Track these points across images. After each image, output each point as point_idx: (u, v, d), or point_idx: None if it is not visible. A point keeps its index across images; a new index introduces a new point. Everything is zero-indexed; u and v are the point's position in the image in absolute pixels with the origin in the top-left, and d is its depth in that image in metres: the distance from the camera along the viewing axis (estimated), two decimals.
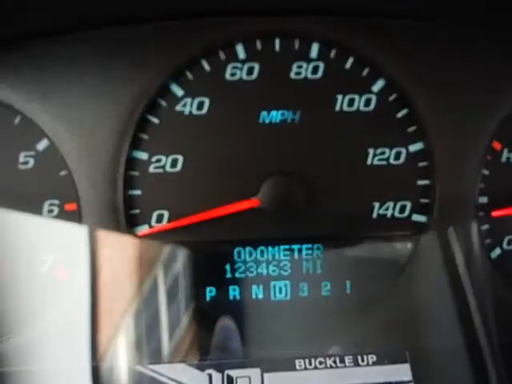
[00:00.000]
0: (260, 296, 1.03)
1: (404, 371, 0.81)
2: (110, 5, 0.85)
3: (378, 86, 0.98)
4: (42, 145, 0.96)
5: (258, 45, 0.97)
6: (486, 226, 1.02)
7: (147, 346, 0.97)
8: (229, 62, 0.96)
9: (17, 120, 0.95)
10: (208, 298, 1.02)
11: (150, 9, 0.87)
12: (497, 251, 1.03)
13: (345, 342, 0.95)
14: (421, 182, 1.01)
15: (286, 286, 1.03)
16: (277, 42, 0.96)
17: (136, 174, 0.97)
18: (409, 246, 1.02)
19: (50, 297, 0.95)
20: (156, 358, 0.95)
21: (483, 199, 1.01)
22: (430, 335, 0.96)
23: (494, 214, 1.02)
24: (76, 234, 0.97)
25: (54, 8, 0.85)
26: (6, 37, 0.89)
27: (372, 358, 0.81)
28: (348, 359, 0.83)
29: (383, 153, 0.99)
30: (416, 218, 1.01)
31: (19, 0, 0.80)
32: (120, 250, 0.98)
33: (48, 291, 0.96)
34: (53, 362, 0.93)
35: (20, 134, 0.97)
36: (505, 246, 1.03)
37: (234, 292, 1.03)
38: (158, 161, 0.97)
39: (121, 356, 0.96)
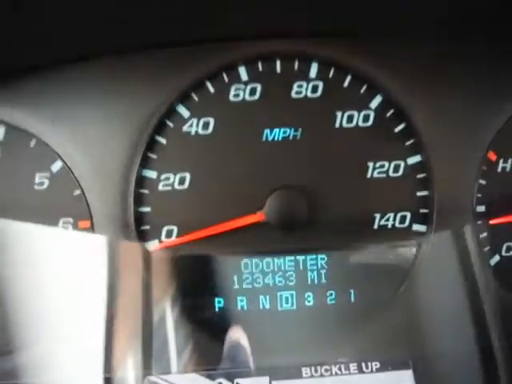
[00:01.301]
0: (267, 306, 1.06)
1: (407, 377, 0.84)
2: (119, 35, 0.90)
3: (376, 102, 1.02)
4: (55, 166, 1.01)
5: (260, 66, 1.02)
6: (484, 234, 1.04)
7: (158, 356, 1.00)
8: (232, 83, 1.01)
9: (32, 143, 1.00)
10: (217, 309, 1.06)
11: (157, 36, 0.91)
12: (496, 258, 1.06)
13: (350, 350, 0.98)
14: (420, 193, 1.04)
15: (291, 295, 1.07)
16: (277, 63, 1.01)
17: (146, 191, 1.01)
18: (410, 254, 1.04)
19: (65, 309, 0.99)
20: (167, 368, 0.98)
21: (481, 208, 1.05)
22: (433, 341, 0.98)
23: (492, 222, 1.04)
24: (89, 249, 1.02)
25: (66, 40, 0.90)
26: (21, 65, 0.94)
27: (376, 364, 0.85)
28: (353, 366, 0.86)
29: (383, 166, 1.02)
30: (416, 227, 1.05)
31: (34, 31, 0.85)
32: (132, 265, 1.03)
33: (63, 304, 0.99)
34: (66, 374, 0.97)
35: (35, 156, 1.02)
36: (503, 252, 1.06)
37: (241, 302, 1.07)
38: (167, 179, 1.01)
39: (133, 367, 0.99)
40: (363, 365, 0.85)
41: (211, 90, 1.02)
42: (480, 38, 1.00)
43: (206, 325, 1.01)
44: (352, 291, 1.06)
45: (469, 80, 1.02)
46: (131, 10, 0.84)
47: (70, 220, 0.99)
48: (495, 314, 1.01)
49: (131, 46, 0.93)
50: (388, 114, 1.02)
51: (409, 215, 1.04)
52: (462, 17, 0.93)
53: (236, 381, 0.88)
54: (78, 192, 0.99)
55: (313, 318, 1.06)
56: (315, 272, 1.05)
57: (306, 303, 1.07)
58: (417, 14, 0.92)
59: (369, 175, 1.04)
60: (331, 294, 1.06)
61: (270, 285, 1.06)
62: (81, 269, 1.02)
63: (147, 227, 1.02)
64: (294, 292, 1.07)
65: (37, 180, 1.02)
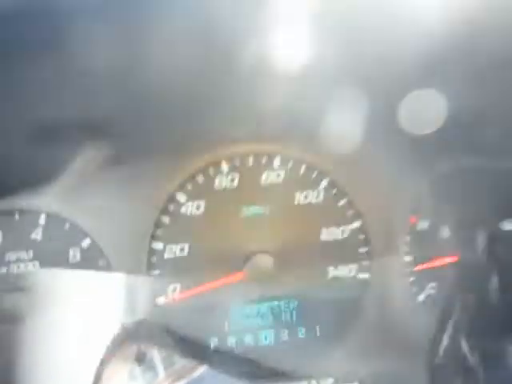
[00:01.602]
0: (251, 342, 1.26)
1: None
2: (134, 143, 1.15)
3: (324, 184, 1.24)
4: (85, 243, 1.19)
5: (237, 162, 1.21)
6: (412, 278, 1.29)
7: None
8: (216, 175, 1.20)
9: (67, 226, 1.17)
10: (212, 347, 1.24)
11: (162, 146, 1.14)
12: (422, 296, 1.29)
13: (316, 371, 1.22)
14: (361, 250, 1.27)
15: (270, 333, 1.26)
16: (250, 158, 1.21)
17: (155, 259, 1.20)
18: (358, 297, 1.29)
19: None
20: None
21: (408, 258, 1.28)
22: (378, 360, 1.20)
23: (417, 268, 1.28)
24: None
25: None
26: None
27: (330, 380, 1.11)
28: (313, 382, 1.12)
29: (332, 231, 1.25)
30: (361, 276, 1.27)
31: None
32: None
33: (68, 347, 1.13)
34: None
35: (69, 235, 1.17)
36: (427, 291, 1.29)
37: (232, 341, 1.25)
38: (171, 249, 1.20)
39: None
40: (321, 381, 1.11)
41: (201, 180, 1.20)
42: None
43: (205, 361, 1.20)
44: (317, 327, 1.28)
45: (392, 161, 1.25)
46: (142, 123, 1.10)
47: None
48: (424, 338, 1.24)
49: (144, 152, 1.16)
50: (333, 192, 1.24)
51: (355, 267, 1.27)
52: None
53: None
54: (103, 262, 1.18)
55: (288, 349, 1.26)
56: (287, 314, 1.26)
57: (282, 338, 1.26)
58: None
59: (322, 238, 1.24)
60: (301, 330, 1.27)
61: (253, 326, 1.25)
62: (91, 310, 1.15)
63: (157, 286, 1.21)
64: (272, 330, 1.26)
65: (70, 254, 1.19)
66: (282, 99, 0.98)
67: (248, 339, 1.26)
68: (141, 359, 1.16)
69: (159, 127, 1.03)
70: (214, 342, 1.24)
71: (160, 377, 1.16)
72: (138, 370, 1.16)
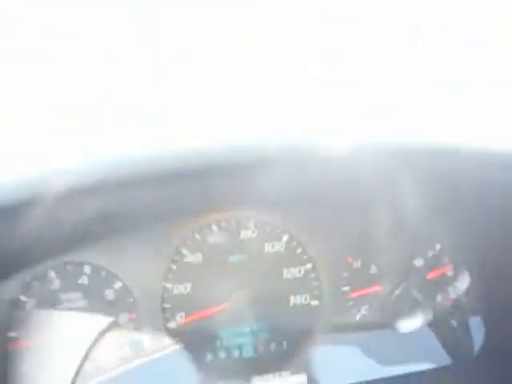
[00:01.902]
0: (237, 355, 1.55)
1: (303, 380, 1.54)
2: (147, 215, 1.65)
3: (285, 238, 1.53)
4: (117, 285, 1.47)
5: (223, 224, 1.48)
6: (350, 303, 1.58)
7: None
8: (209, 233, 1.49)
9: (103, 273, 1.45)
10: (207, 360, 1.54)
11: (171, 216, 1.54)
12: (358, 316, 1.58)
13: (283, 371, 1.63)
14: (313, 283, 1.55)
15: (250, 348, 1.57)
16: (233, 221, 1.49)
17: (166, 295, 1.49)
18: (312, 317, 1.57)
19: None
20: None
21: (347, 288, 1.58)
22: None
23: (353, 295, 1.58)
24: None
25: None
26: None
27: (287, 372, 1.54)
28: (272, 375, 1.52)
29: (291, 271, 1.54)
30: (313, 303, 1.57)
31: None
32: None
33: None
34: None
35: (105, 280, 1.45)
36: (362, 312, 1.60)
37: (222, 355, 1.55)
38: (178, 287, 1.50)
39: None
40: (283, 373, 1.55)
41: (198, 238, 1.48)
42: None
43: (202, 372, 1.53)
44: (284, 342, 1.58)
45: (335, 224, 1.53)
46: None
47: (126, 315, 1.48)
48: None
49: (158, 221, 1.60)
50: (293, 244, 1.53)
51: (308, 295, 1.56)
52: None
53: None
54: (131, 300, 1.48)
55: (265, 359, 1.58)
56: (262, 333, 1.56)
57: (259, 352, 1.57)
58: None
59: (284, 277, 1.53)
60: (273, 345, 1.58)
61: (237, 343, 1.55)
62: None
63: (168, 315, 1.52)
64: (252, 345, 1.57)
65: (106, 294, 1.49)
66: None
67: (234, 353, 1.56)
68: (136, 329, 1.50)
69: (169, 207, 1.51)
70: (208, 356, 1.55)
71: (145, 347, 1.50)
72: (127, 339, 1.48)
